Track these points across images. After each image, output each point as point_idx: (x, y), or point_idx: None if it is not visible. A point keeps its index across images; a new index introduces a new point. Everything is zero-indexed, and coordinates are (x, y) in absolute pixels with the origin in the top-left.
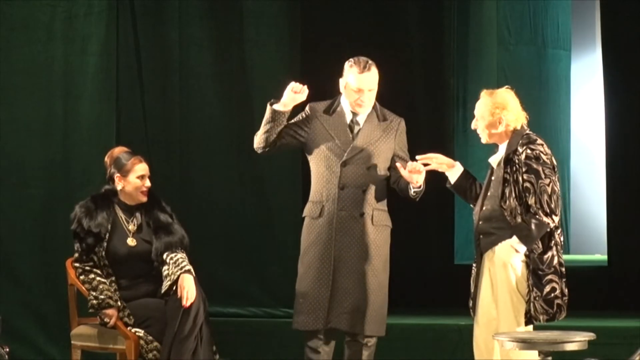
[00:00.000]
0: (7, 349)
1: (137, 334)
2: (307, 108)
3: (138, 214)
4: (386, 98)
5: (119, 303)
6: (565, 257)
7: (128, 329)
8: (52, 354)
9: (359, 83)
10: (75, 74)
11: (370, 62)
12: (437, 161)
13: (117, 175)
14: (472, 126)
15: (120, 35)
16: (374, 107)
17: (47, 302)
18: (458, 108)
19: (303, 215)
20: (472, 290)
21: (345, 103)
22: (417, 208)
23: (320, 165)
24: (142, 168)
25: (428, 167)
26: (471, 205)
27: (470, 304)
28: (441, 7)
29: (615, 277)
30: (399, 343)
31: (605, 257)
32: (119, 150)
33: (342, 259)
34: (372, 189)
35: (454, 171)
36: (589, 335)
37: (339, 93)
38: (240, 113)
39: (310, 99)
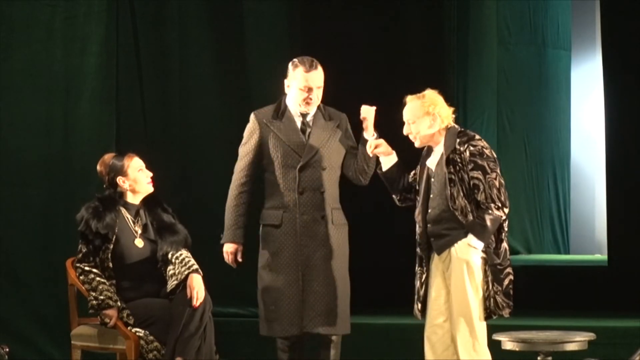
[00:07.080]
0: (7, 349)
1: (137, 333)
2: (251, 118)
3: (142, 214)
4: (386, 98)
5: (119, 303)
6: (565, 257)
7: (128, 328)
8: (52, 354)
9: (307, 81)
10: (75, 74)
11: (315, 60)
12: (380, 150)
13: (119, 178)
14: (405, 132)
15: (120, 35)
16: (319, 107)
17: (47, 302)
18: (458, 108)
19: (262, 223)
20: (421, 293)
21: (291, 105)
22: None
23: (276, 172)
24: (137, 161)
25: (371, 152)
26: (394, 197)
27: (419, 307)
28: (441, 7)
29: (615, 277)
30: (398, 343)
31: (605, 257)
32: (108, 157)
33: (310, 263)
34: (329, 190)
35: (389, 159)
36: (589, 335)
37: (337, 93)
38: (240, 113)
39: None
